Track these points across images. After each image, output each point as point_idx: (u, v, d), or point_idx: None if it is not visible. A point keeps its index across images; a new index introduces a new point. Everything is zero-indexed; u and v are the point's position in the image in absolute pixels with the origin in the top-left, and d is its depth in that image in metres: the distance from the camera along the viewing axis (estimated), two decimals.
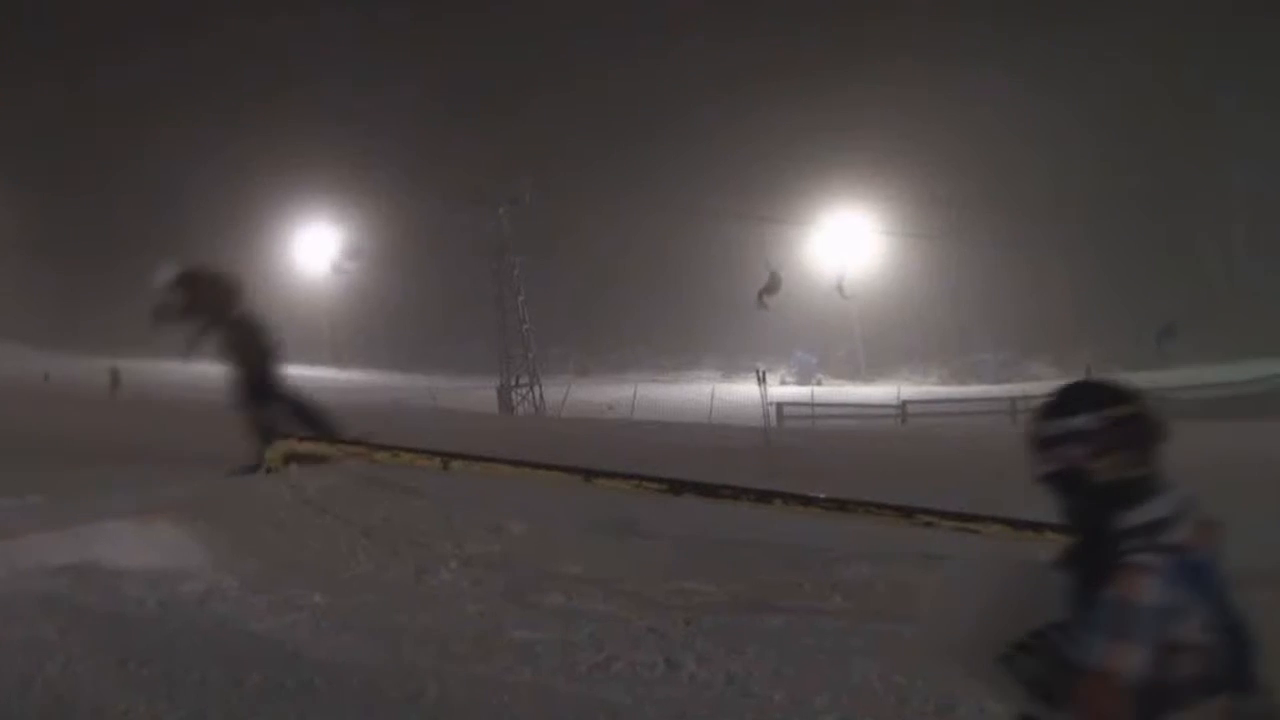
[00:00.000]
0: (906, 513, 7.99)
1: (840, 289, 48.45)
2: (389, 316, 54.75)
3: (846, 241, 51.35)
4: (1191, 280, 47.03)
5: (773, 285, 43.63)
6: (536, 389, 45.79)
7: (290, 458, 9.35)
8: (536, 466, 9.25)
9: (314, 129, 50.57)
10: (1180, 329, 43.63)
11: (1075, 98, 46.95)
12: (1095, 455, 2.55)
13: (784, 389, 44.20)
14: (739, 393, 40.21)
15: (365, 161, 51.90)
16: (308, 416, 10.73)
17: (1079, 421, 2.57)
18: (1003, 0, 48.28)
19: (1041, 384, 39.28)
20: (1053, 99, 46.76)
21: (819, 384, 49.32)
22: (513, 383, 45.82)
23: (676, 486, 8.63)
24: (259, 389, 10.53)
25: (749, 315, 46.29)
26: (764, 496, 8.45)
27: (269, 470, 9.25)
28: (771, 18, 50.93)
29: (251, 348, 10.67)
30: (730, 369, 50.74)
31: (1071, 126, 47.20)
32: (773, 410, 31.21)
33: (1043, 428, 2.63)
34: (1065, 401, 2.64)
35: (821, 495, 8.53)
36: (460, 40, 52.00)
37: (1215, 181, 46.74)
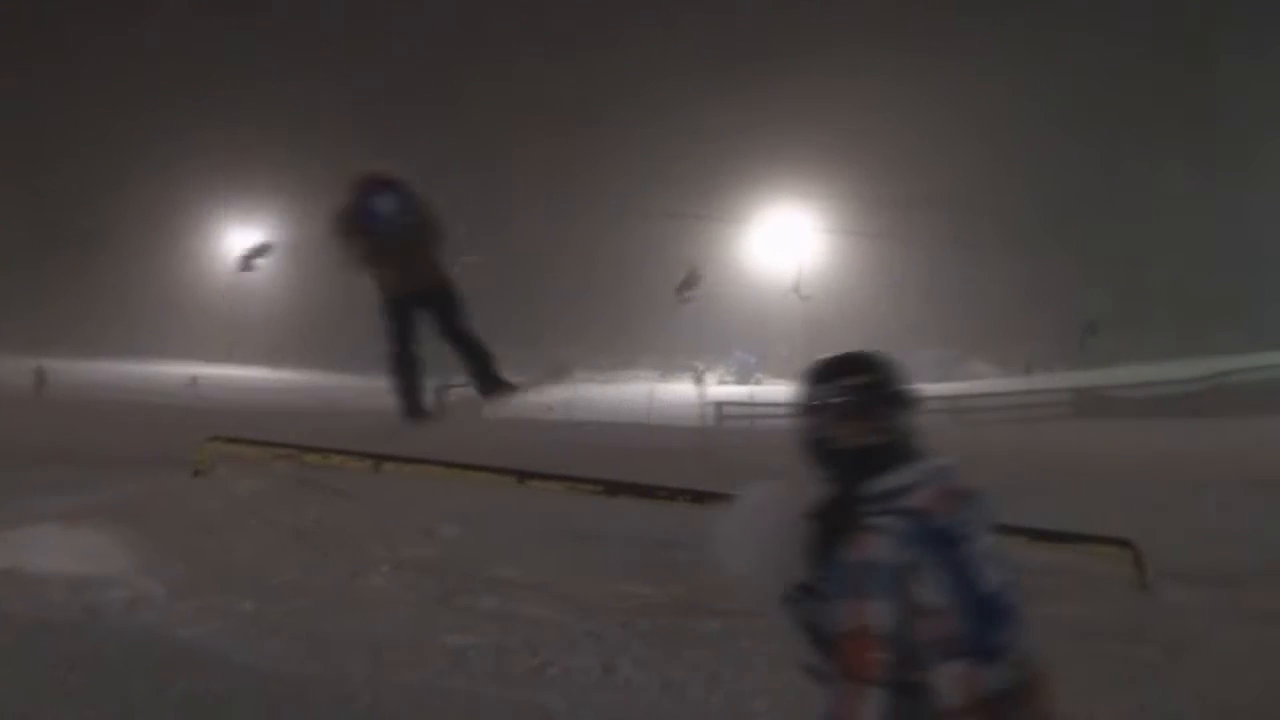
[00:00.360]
0: None
1: (797, 289, 48.56)
2: (320, 317, 53.88)
3: (789, 239, 51.37)
4: (1133, 278, 47.51)
5: (691, 280, 43.37)
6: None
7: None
8: (470, 468, 9.14)
9: (238, 126, 49.76)
10: (1102, 326, 43.99)
11: (1021, 95, 47.41)
12: (835, 423, 2.64)
13: (723, 388, 44.23)
14: (677, 392, 40.14)
15: (293, 159, 50.96)
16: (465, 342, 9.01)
17: (820, 391, 2.69)
18: None
19: (982, 382, 39.74)
20: (998, 97, 47.14)
21: (758, 383, 49.36)
22: (447, 383, 45.39)
23: (612, 488, 8.57)
24: (407, 298, 8.66)
25: (687, 314, 46.21)
26: (700, 497, 8.42)
27: (197, 473, 9.09)
28: (711, 9, 50.91)
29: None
30: (668, 368, 50.65)
31: (1018, 124, 47.57)
32: (712, 410, 31.38)
33: (796, 399, 2.75)
34: (812, 373, 2.75)
35: None
36: (386, 34, 51.44)
37: (1161, 180, 47.23)
